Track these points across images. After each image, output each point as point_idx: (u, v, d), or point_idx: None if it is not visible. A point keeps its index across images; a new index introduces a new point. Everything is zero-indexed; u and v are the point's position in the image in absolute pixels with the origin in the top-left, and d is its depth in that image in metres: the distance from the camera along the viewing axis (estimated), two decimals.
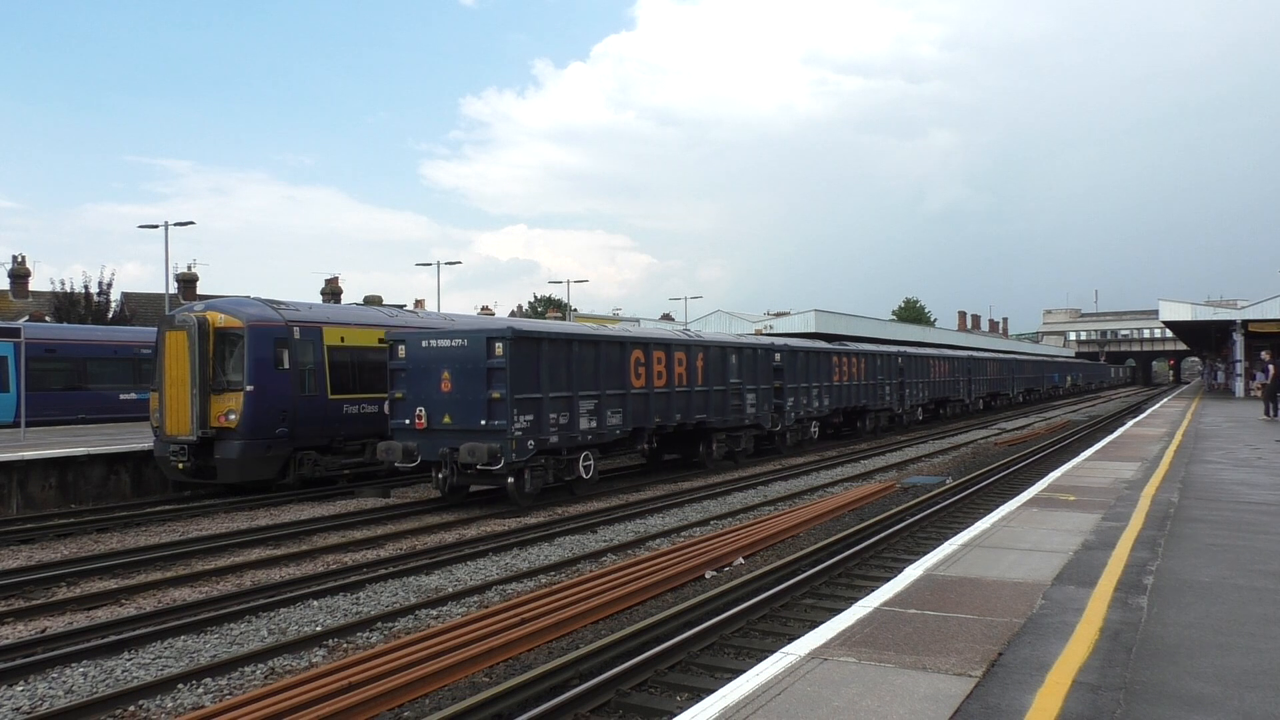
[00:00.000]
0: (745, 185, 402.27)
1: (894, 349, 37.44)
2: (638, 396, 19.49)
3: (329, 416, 19.05)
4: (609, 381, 18.57)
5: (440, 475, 16.58)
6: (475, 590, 10.79)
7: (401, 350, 17.03)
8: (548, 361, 16.91)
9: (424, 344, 16.84)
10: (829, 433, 31.80)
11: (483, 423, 16.04)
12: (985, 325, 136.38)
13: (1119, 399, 76.97)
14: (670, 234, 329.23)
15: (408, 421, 16.78)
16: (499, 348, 16.10)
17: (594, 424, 18.13)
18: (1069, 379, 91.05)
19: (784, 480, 21.12)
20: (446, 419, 16.44)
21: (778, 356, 25.95)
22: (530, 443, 16.33)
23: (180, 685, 7.69)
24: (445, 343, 16.70)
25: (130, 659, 8.44)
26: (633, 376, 19.34)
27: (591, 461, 18.21)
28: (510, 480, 16.22)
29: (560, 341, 17.47)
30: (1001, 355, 62.11)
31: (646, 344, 20.26)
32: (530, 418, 16.35)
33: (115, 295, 47.61)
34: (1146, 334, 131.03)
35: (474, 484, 17.22)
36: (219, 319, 18.19)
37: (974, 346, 73.57)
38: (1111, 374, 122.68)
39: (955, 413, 44.87)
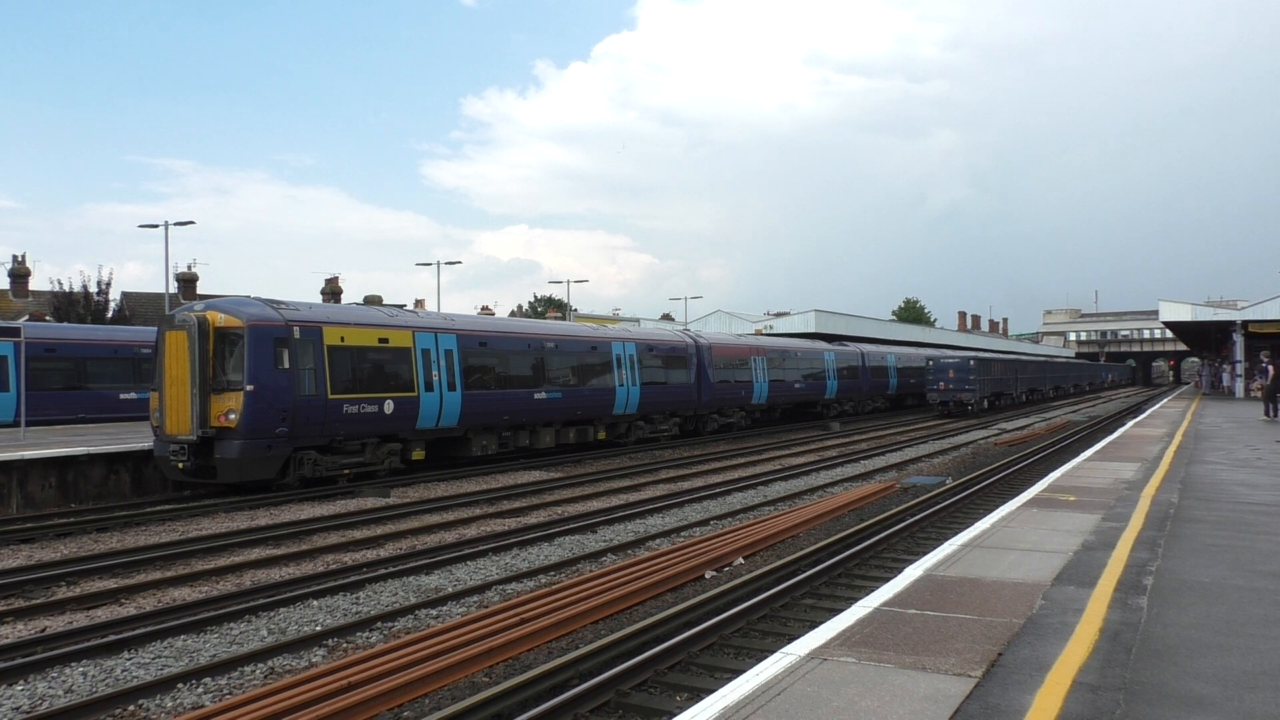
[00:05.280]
0: (746, 185, 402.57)
1: (967, 353, 59.08)
2: (989, 379, 48.33)
3: (329, 416, 19.04)
4: (988, 374, 48.37)
5: (946, 404, 45.14)
6: (475, 590, 10.80)
7: (930, 362, 47.14)
8: (979, 365, 46.68)
9: (942, 359, 46.94)
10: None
11: (967, 389, 44.77)
12: (985, 325, 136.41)
13: (1119, 399, 76.98)
14: (671, 234, 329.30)
15: (938, 388, 45.19)
16: (973, 363, 45.99)
17: (985, 390, 47.08)
18: (1109, 376, 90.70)
19: (784, 480, 21.12)
20: (951, 387, 44.82)
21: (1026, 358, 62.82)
22: (979, 395, 45.82)
23: (180, 685, 7.70)
24: (950, 360, 46.72)
25: (130, 658, 8.44)
26: (989, 373, 48.50)
27: (985, 402, 47.28)
28: (969, 406, 44.74)
29: (983, 360, 48.56)
30: (1004, 356, 63.36)
31: (996, 359, 53.45)
32: (979, 387, 45.66)
33: (115, 295, 47.70)
34: (1146, 334, 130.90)
35: (955, 411, 45.16)
36: (219, 318, 18.17)
37: (974, 347, 73.91)
38: (1128, 374, 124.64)
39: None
